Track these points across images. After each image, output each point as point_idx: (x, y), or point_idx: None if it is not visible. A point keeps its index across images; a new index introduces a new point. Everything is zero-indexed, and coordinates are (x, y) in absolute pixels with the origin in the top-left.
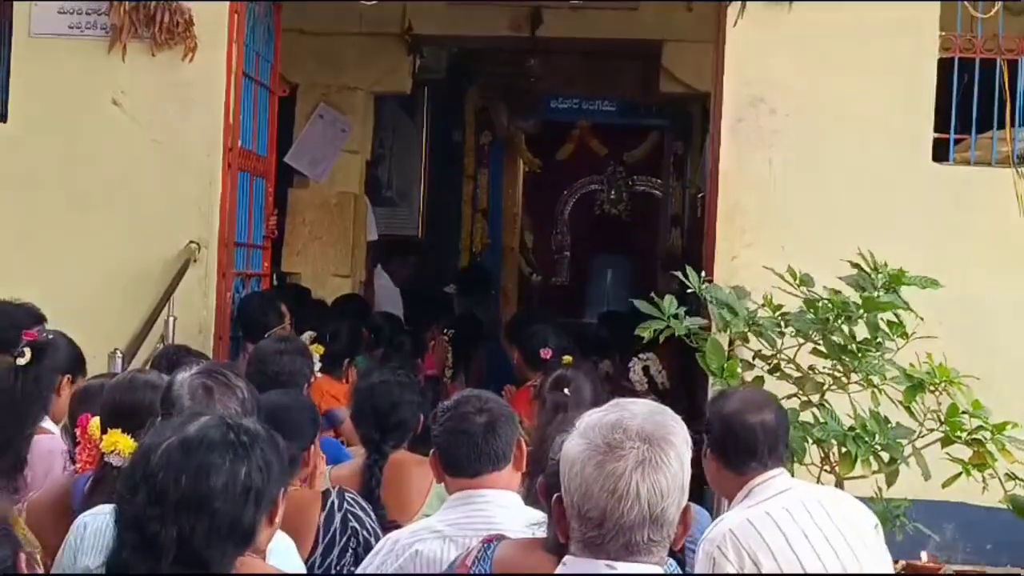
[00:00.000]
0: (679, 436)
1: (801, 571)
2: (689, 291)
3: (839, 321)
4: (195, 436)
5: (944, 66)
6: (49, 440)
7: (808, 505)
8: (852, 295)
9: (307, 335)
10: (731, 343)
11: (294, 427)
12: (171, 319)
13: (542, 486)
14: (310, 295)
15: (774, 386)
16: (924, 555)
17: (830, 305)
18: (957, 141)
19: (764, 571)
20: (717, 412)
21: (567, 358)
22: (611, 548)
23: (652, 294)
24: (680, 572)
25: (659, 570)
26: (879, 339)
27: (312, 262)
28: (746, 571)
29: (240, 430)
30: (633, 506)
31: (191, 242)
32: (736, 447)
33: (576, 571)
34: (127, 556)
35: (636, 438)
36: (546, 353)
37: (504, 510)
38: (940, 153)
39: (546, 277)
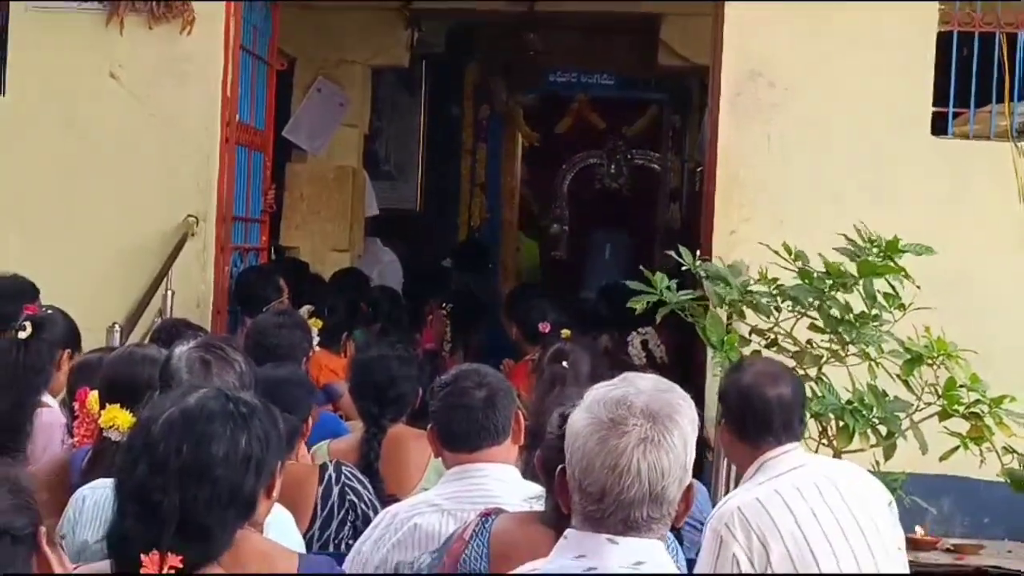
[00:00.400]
0: (685, 415)
1: (808, 551)
2: (684, 268)
3: (834, 290)
4: (195, 406)
5: (943, 39)
6: (48, 413)
7: (819, 484)
8: (849, 266)
9: (305, 309)
10: (729, 318)
11: (291, 400)
12: (169, 293)
13: (539, 459)
14: (308, 269)
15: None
16: (919, 529)
17: (826, 273)
18: (956, 115)
19: (772, 551)
20: (734, 383)
21: (566, 332)
22: (611, 523)
23: (641, 267)
24: (679, 548)
25: (660, 545)
26: (876, 312)
27: (310, 236)
28: (754, 551)
29: (239, 401)
30: (633, 483)
31: (189, 216)
32: (752, 420)
33: (577, 544)
34: (129, 526)
35: (640, 415)
36: (544, 327)
37: (502, 484)
38: (939, 127)
39: (545, 251)
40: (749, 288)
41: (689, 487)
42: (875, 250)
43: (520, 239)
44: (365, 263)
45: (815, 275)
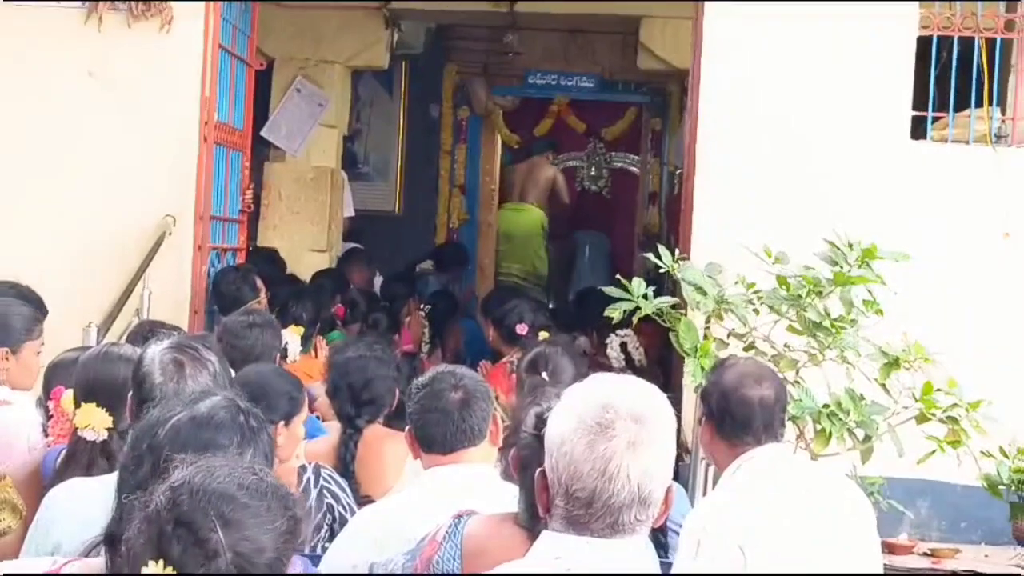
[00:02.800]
0: (667, 416)
1: (783, 554)
2: (662, 271)
3: (811, 297)
4: (205, 414)
5: (922, 44)
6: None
7: (796, 486)
8: (827, 271)
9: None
10: (708, 321)
11: (273, 400)
12: (146, 292)
13: (515, 458)
14: (281, 260)
15: None
16: (905, 535)
17: (802, 281)
18: (935, 119)
19: (748, 554)
20: (717, 382)
21: (544, 334)
22: (597, 527)
23: (618, 276)
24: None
25: (642, 544)
26: (853, 316)
27: (288, 237)
28: (730, 554)
29: (250, 414)
30: (624, 487)
31: (167, 215)
32: (732, 420)
33: (555, 548)
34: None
35: (627, 418)
36: (522, 329)
37: (479, 486)
38: (918, 131)
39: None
40: (724, 297)
41: (669, 488)
42: (853, 256)
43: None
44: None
45: (792, 281)
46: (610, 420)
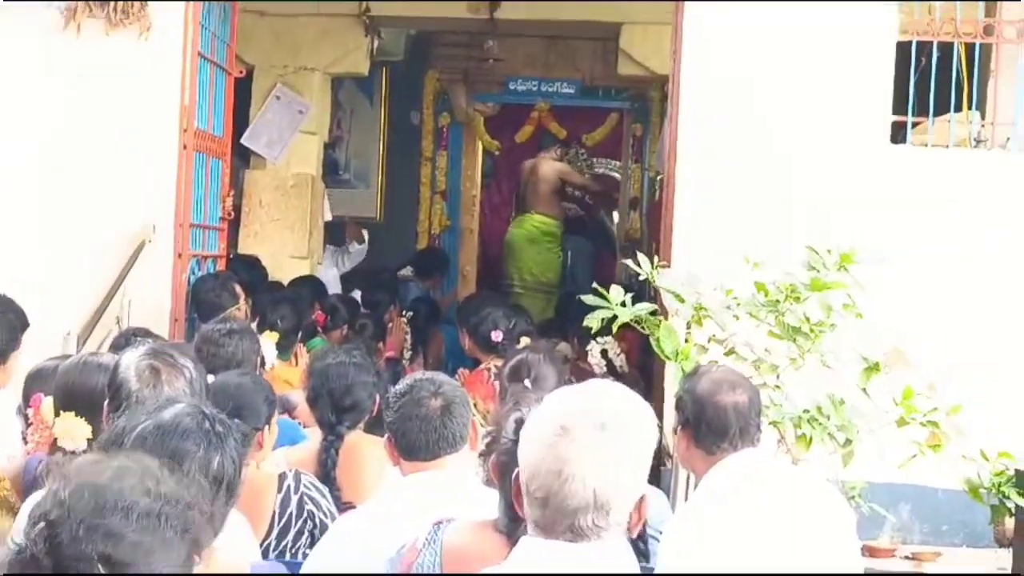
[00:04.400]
0: (640, 426)
1: (761, 562)
2: (641, 277)
3: (789, 302)
4: (170, 422)
5: (902, 49)
6: None
7: (775, 492)
8: (805, 276)
9: (255, 324)
10: (688, 327)
11: (248, 406)
12: (126, 300)
13: (495, 465)
14: (260, 264)
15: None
16: (886, 539)
17: (780, 287)
18: (915, 124)
19: (727, 561)
20: (691, 390)
21: (525, 339)
22: (558, 530)
23: (595, 285)
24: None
25: (615, 549)
26: (832, 320)
27: (269, 244)
28: (709, 562)
29: (215, 420)
30: (578, 492)
31: (147, 223)
32: (708, 427)
33: (531, 550)
34: None
35: (592, 424)
36: (497, 336)
37: (460, 492)
38: (898, 136)
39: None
40: (702, 304)
41: (642, 499)
42: (831, 260)
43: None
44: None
45: (770, 287)
46: (573, 424)
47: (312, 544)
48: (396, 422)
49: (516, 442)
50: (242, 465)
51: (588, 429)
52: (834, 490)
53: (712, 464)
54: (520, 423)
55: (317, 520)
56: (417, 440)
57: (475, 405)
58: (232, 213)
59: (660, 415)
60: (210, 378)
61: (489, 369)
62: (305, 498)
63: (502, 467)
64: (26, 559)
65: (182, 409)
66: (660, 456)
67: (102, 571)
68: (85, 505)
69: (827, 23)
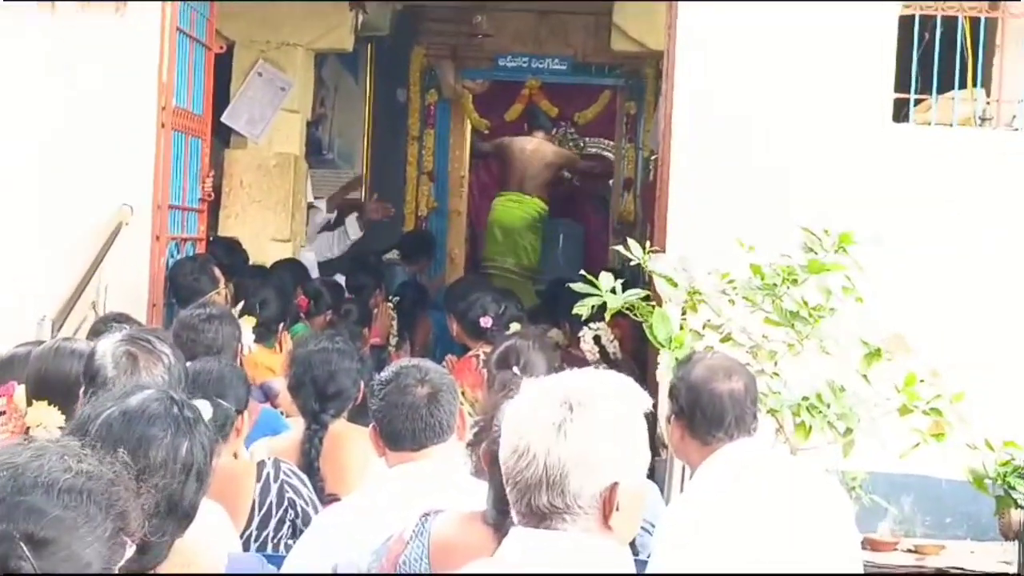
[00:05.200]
0: (617, 408)
1: (758, 557)
2: (633, 262)
3: (786, 286)
4: (137, 407)
5: (904, 24)
6: None
7: (772, 483)
8: (802, 259)
9: (239, 307)
10: (683, 313)
11: (223, 391)
12: (102, 285)
13: (486, 453)
14: (240, 247)
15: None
16: (888, 532)
17: (777, 270)
18: (917, 101)
19: (722, 555)
20: (684, 378)
21: (515, 325)
22: (522, 510)
23: (582, 272)
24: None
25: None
26: (832, 304)
27: (250, 226)
28: (705, 555)
29: (184, 405)
30: (529, 466)
31: (123, 204)
32: (703, 416)
33: (520, 542)
34: None
35: (563, 402)
36: (485, 322)
37: (448, 483)
38: (900, 114)
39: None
40: (696, 289)
41: (614, 486)
42: (829, 242)
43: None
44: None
45: (766, 270)
46: (538, 401)
47: (294, 534)
48: (381, 411)
49: None
50: (213, 452)
51: (550, 404)
52: (833, 481)
53: (707, 455)
54: None
55: (298, 508)
56: (403, 429)
57: (463, 393)
58: (212, 194)
59: (654, 405)
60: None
61: (478, 356)
62: (285, 486)
63: (493, 456)
64: None
65: (149, 395)
66: (654, 446)
67: (26, 549)
68: (4, 484)
69: None
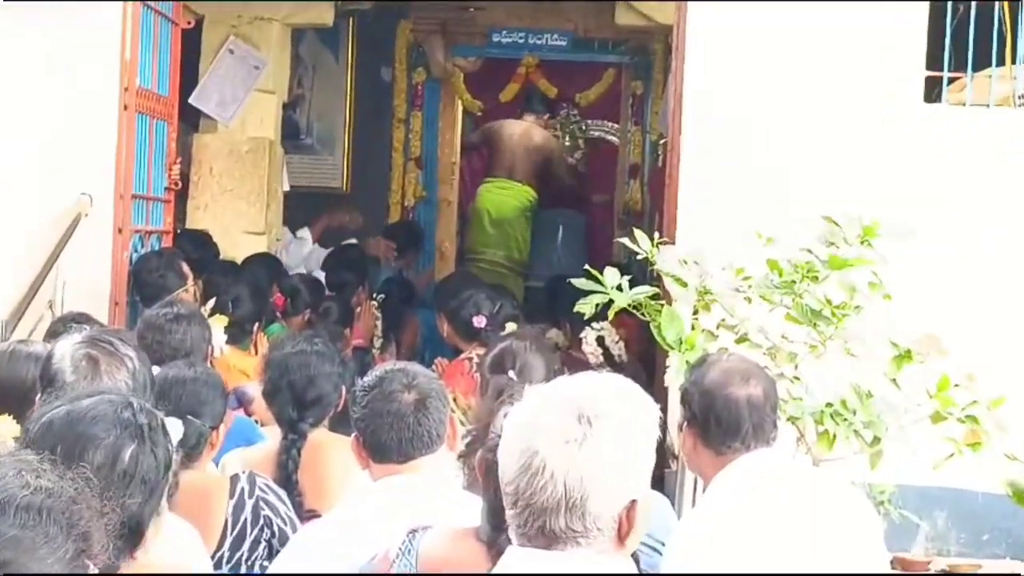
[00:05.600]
0: (634, 420)
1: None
2: (639, 256)
3: (806, 283)
4: (84, 407)
5: None
6: None
7: (792, 497)
8: (824, 253)
9: (209, 304)
10: (695, 312)
11: (198, 403)
12: (60, 282)
13: (480, 462)
14: (210, 240)
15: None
16: (920, 550)
17: (796, 266)
18: (951, 80)
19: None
20: (698, 382)
21: (511, 325)
22: (530, 533)
23: (586, 267)
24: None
25: (600, 560)
26: (857, 302)
27: (221, 217)
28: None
29: (141, 411)
30: (546, 486)
31: (83, 194)
32: (717, 424)
33: (520, 563)
34: None
35: (574, 414)
36: (479, 322)
37: (439, 497)
38: (932, 93)
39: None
40: (708, 286)
41: (633, 504)
42: (853, 234)
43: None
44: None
45: (785, 265)
46: (549, 412)
47: (270, 555)
48: (364, 419)
49: None
50: (168, 465)
51: (564, 417)
52: (860, 495)
53: (722, 466)
54: None
55: (275, 528)
56: (388, 439)
57: (455, 400)
58: (179, 183)
59: (664, 411)
60: (156, 370)
61: (470, 359)
62: (261, 503)
63: (488, 466)
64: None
65: (104, 397)
66: (664, 457)
67: (60, 459)
68: None
69: None
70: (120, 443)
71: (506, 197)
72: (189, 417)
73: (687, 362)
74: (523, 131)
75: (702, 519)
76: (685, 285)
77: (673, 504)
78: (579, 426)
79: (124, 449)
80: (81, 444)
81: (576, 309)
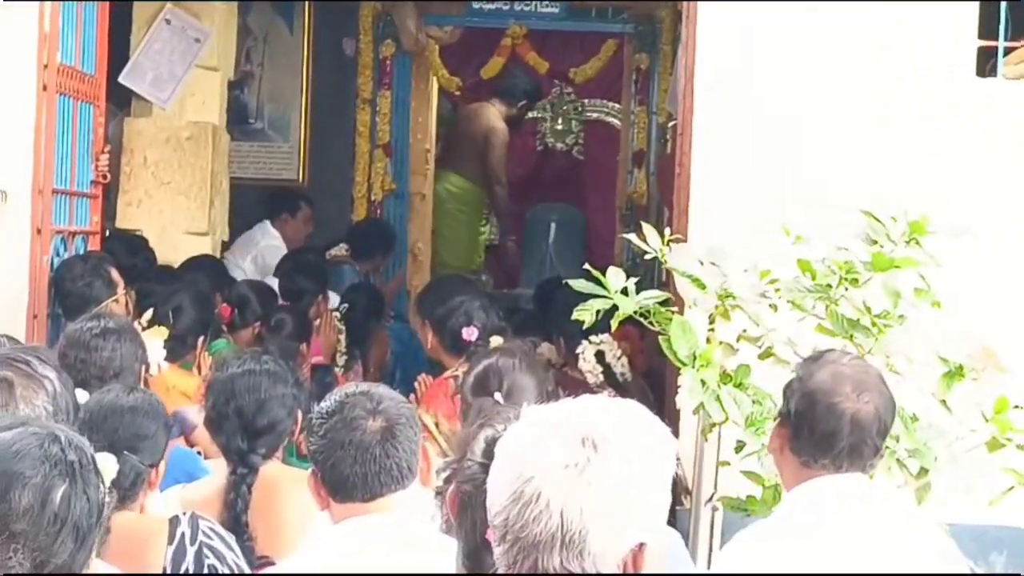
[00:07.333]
0: (644, 448)
1: None
2: (648, 256)
3: (843, 287)
4: (5, 441)
5: None
6: None
7: (867, 538)
8: (864, 253)
9: (146, 315)
10: (712, 321)
11: (136, 436)
12: None
13: (453, 496)
14: (144, 243)
15: (766, 374)
16: None
17: (832, 267)
18: (1007, 51)
19: None
20: (803, 379)
21: (496, 339)
22: (521, 572)
23: (586, 266)
24: None
25: None
26: (901, 311)
27: (157, 215)
28: None
29: (69, 444)
30: (540, 517)
31: None
32: (811, 432)
33: None
34: None
35: (576, 436)
36: (470, 333)
37: (411, 541)
38: (986, 66)
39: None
40: (728, 290)
41: (641, 548)
42: (898, 231)
43: (446, 181)
44: (240, 248)
45: (819, 267)
46: (547, 436)
47: None
48: (323, 451)
49: (485, 467)
50: (102, 508)
51: (564, 439)
52: (952, 550)
53: (804, 479)
54: (493, 443)
55: None
56: (351, 475)
57: (436, 424)
58: (108, 175)
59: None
60: (81, 394)
61: (457, 376)
62: (205, 549)
63: (464, 499)
64: None
65: (27, 430)
66: (676, 493)
67: None
68: None
69: None
70: (50, 483)
71: (476, 200)
72: (126, 453)
73: (703, 381)
74: (469, 113)
75: (758, 533)
76: (704, 287)
77: (686, 545)
78: (582, 449)
79: (54, 490)
80: (5, 483)
81: (575, 315)
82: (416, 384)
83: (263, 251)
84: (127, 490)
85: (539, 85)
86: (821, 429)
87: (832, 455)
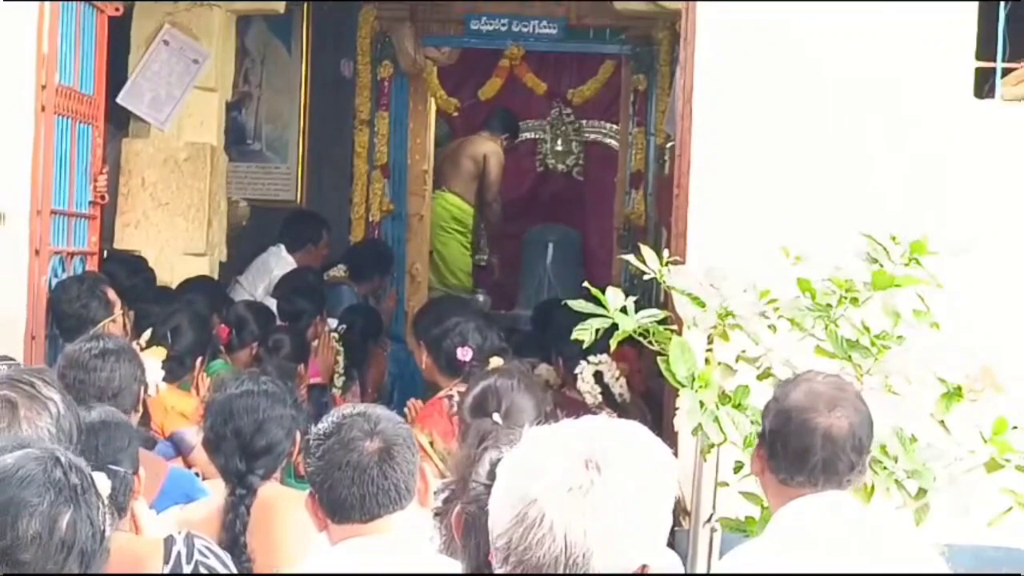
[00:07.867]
0: (647, 471)
1: None
2: (647, 277)
3: (843, 307)
4: (9, 467)
5: None
6: None
7: (850, 558)
8: (864, 273)
9: (145, 336)
10: (710, 341)
11: (112, 448)
12: None
13: (459, 517)
14: (143, 263)
15: (764, 395)
16: None
17: (832, 286)
18: (1005, 72)
19: None
20: (779, 399)
21: (495, 360)
22: None
23: (587, 284)
24: None
25: None
26: (900, 331)
27: (156, 236)
28: None
29: (72, 468)
30: (544, 540)
31: None
32: (784, 449)
33: None
34: None
35: (580, 459)
36: (465, 354)
37: (411, 563)
38: (984, 87)
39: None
40: (728, 310)
41: (644, 570)
42: (898, 251)
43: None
44: (254, 274)
45: (819, 286)
46: (550, 457)
47: None
48: (320, 472)
49: (490, 488)
50: (104, 530)
51: (569, 461)
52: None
53: (788, 498)
54: (496, 465)
55: None
56: (349, 496)
57: (431, 443)
58: (106, 196)
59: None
60: None
61: (451, 396)
62: (201, 568)
63: (469, 520)
64: None
65: (29, 453)
66: (675, 514)
67: None
68: None
69: None
70: (56, 510)
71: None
72: (110, 467)
73: (701, 402)
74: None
75: (743, 554)
76: (703, 305)
77: (684, 567)
78: (586, 472)
79: (61, 517)
80: (13, 511)
81: (574, 335)
82: (406, 409)
83: (278, 280)
84: (120, 506)
85: (516, 121)
86: (794, 445)
87: (807, 471)
